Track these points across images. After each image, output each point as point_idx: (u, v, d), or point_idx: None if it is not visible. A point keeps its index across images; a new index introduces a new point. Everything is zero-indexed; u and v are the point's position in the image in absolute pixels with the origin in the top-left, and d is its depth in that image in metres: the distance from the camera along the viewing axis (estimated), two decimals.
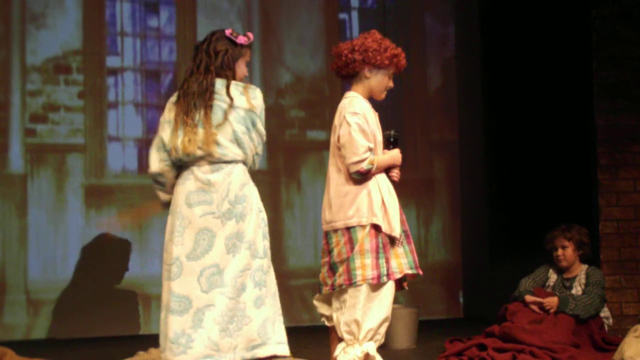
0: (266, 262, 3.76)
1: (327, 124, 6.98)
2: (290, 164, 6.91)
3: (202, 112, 3.77)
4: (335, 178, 3.96)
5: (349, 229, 3.86)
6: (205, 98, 3.79)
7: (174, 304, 3.64)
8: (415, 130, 7.15)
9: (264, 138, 3.92)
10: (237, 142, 3.78)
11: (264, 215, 3.84)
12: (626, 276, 5.73)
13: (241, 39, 3.90)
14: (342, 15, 7.17)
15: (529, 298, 5.02)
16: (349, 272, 3.82)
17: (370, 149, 3.91)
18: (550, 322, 4.86)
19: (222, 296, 3.64)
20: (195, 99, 3.80)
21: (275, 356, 3.73)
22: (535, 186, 6.31)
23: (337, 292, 3.88)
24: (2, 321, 6.31)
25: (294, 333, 6.30)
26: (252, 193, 3.81)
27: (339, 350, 3.87)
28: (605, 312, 5.09)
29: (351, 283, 3.81)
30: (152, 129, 6.68)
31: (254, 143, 3.84)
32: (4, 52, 6.43)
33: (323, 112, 6.98)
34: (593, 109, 5.87)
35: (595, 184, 5.87)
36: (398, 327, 5.47)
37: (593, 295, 4.97)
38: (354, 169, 3.88)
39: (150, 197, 6.62)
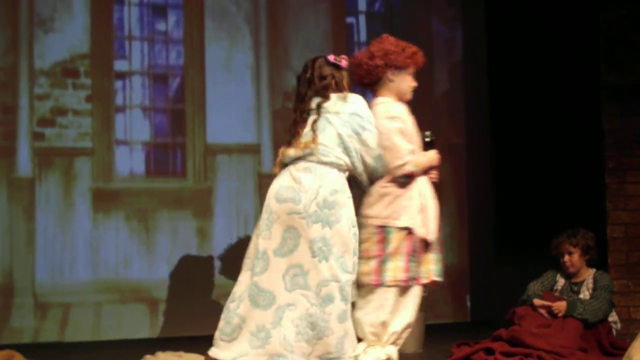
0: (353, 278, 3.76)
1: None
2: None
3: (309, 126, 3.85)
4: None
5: (383, 227, 3.85)
6: (306, 112, 3.88)
7: (260, 299, 3.66)
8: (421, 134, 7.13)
9: (375, 151, 3.89)
10: (344, 145, 3.80)
11: (356, 230, 3.81)
12: (634, 280, 5.71)
13: (344, 63, 4.03)
14: (350, 19, 7.18)
15: (537, 302, 5.02)
16: (380, 273, 3.81)
17: (412, 152, 3.93)
18: (558, 327, 4.85)
19: (304, 299, 3.66)
20: (300, 116, 3.90)
21: None
22: (542, 190, 6.30)
23: (364, 290, 3.87)
24: (10, 324, 6.32)
25: None
26: (346, 204, 3.78)
27: (360, 349, 3.86)
28: (613, 317, 5.08)
29: (380, 283, 3.81)
30: (159, 132, 6.70)
31: (366, 144, 3.84)
32: (12, 56, 6.45)
33: None
34: (600, 112, 5.86)
35: (603, 187, 5.86)
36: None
37: (601, 299, 4.96)
38: (398, 172, 3.88)
39: (158, 201, 6.66)
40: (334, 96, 3.88)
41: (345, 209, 3.75)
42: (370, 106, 4.04)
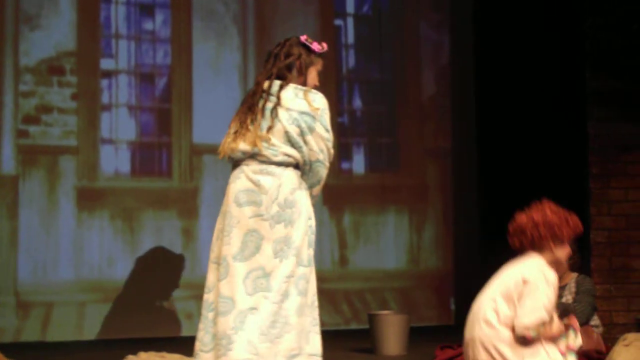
0: (309, 271, 3.70)
1: None
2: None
3: (257, 113, 3.74)
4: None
5: None
6: (258, 98, 3.76)
7: (221, 306, 3.59)
8: (408, 137, 7.16)
9: (329, 144, 3.75)
10: (291, 143, 3.69)
11: (312, 222, 3.74)
12: (616, 285, 5.74)
13: (316, 46, 3.86)
14: (338, 22, 7.18)
15: None
16: None
17: (544, 323, 3.86)
18: None
19: (267, 301, 3.59)
20: (252, 101, 3.78)
21: None
22: (527, 194, 6.29)
23: None
24: None
25: None
26: (303, 199, 3.71)
27: None
28: (595, 321, 5.10)
29: None
30: (145, 132, 6.68)
31: (313, 148, 3.71)
32: None
33: None
34: (585, 117, 5.89)
35: (587, 192, 5.88)
36: (389, 333, 5.47)
37: (584, 303, 4.98)
38: (520, 331, 3.75)
39: (143, 201, 6.64)
40: (291, 88, 3.75)
41: (302, 203, 3.71)
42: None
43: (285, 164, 3.69)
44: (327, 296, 6.72)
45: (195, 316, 6.61)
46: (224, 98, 6.75)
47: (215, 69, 6.78)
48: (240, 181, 3.71)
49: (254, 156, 3.70)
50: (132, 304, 6.50)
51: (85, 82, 6.53)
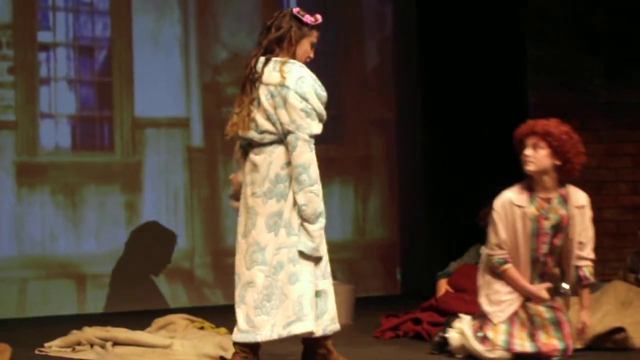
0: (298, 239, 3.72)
1: None
2: (227, 141, 6.83)
3: (248, 93, 3.78)
4: None
5: None
6: (247, 75, 3.80)
7: (235, 281, 3.81)
8: (352, 108, 7.16)
9: (302, 113, 3.69)
10: (270, 120, 3.73)
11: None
12: None
13: (307, 18, 3.85)
14: None
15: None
16: None
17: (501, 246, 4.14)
18: None
19: (261, 274, 3.69)
20: (245, 79, 3.83)
21: (312, 333, 3.71)
22: (471, 164, 6.38)
23: None
24: None
25: (231, 310, 6.31)
26: None
27: None
28: None
29: None
30: (85, 105, 6.57)
31: (283, 121, 3.69)
32: None
33: None
34: (526, 86, 5.96)
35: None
36: (335, 303, 5.49)
37: None
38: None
39: (85, 175, 6.54)
40: (271, 62, 3.76)
41: None
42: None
43: (275, 142, 3.73)
44: None
45: (140, 291, 6.56)
46: (165, 71, 6.67)
47: (156, 41, 6.68)
48: (248, 164, 3.82)
49: (251, 142, 3.78)
50: (75, 280, 6.42)
51: (22, 56, 6.38)
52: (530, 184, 4.16)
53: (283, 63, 3.75)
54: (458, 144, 6.51)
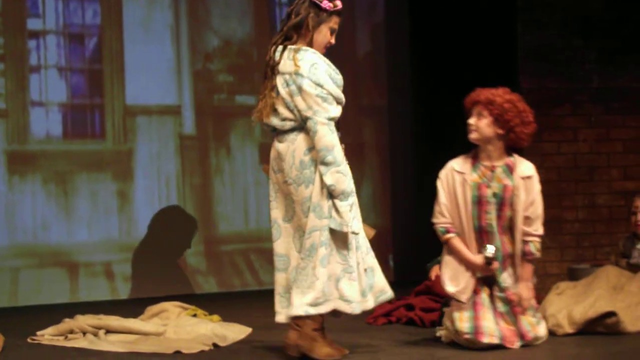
0: (328, 222, 3.75)
1: (255, 88, 6.90)
2: (219, 129, 6.84)
3: (268, 81, 3.86)
4: None
5: None
6: (267, 63, 3.87)
7: (279, 263, 3.87)
8: (344, 95, 7.13)
9: (318, 99, 3.73)
10: (288, 107, 3.79)
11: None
12: (549, 236, 5.84)
13: (325, 4, 3.87)
14: None
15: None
16: None
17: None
18: None
19: (299, 257, 3.79)
20: (266, 67, 3.89)
21: (335, 311, 3.78)
22: (462, 151, 6.37)
23: None
24: None
25: (224, 298, 6.32)
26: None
27: None
28: None
29: None
30: (76, 93, 6.54)
31: (301, 108, 3.74)
32: None
33: (252, 76, 6.91)
34: (518, 72, 5.96)
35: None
36: None
37: None
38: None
39: (76, 163, 6.52)
40: (287, 51, 3.80)
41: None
42: None
43: (296, 130, 3.79)
44: (268, 255, 6.68)
45: (132, 278, 6.56)
46: (156, 58, 6.65)
47: (147, 28, 6.65)
48: (272, 149, 3.88)
49: (272, 126, 3.86)
50: (67, 268, 6.41)
51: (12, 43, 6.34)
52: (476, 153, 4.18)
53: (296, 51, 3.79)
54: (449, 132, 6.49)
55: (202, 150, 6.78)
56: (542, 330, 4.11)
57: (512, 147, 4.16)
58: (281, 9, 7.08)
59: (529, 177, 4.12)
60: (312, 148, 3.76)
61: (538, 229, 4.12)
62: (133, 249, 6.57)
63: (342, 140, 3.91)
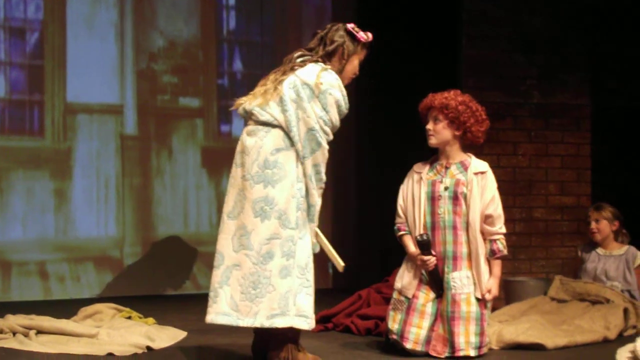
0: (297, 234, 3.72)
1: (200, 90, 6.89)
2: (161, 130, 6.78)
3: (272, 75, 3.84)
4: None
5: None
6: (286, 62, 3.85)
7: (215, 260, 3.79)
8: None
9: (321, 122, 3.75)
10: (283, 105, 3.74)
11: (301, 185, 3.76)
12: None
13: (361, 36, 3.92)
14: None
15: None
16: None
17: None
18: None
19: (247, 259, 3.69)
20: (283, 64, 3.87)
21: (292, 328, 3.72)
22: (405, 157, 6.41)
23: None
24: None
25: (160, 301, 6.26)
26: (288, 161, 3.73)
27: None
28: None
29: None
30: (16, 89, 6.42)
31: (306, 114, 3.72)
32: None
33: (196, 78, 6.88)
34: (461, 86, 6.02)
35: None
36: None
37: None
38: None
39: (13, 160, 6.39)
40: (313, 62, 3.82)
41: (287, 165, 3.73)
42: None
43: (270, 126, 3.75)
44: (206, 259, 6.67)
45: (67, 278, 6.45)
46: (99, 56, 6.56)
47: (90, 25, 6.56)
48: (239, 143, 3.83)
49: (250, 116, 3.80)
50: (1, 267, 6.27)
51: None
52: (436, 157, 4.31)
53: (323, 69, 3.79)
54: (392, 136, 6.55)
55: (143, 151, 6.71)
56: (473, 353, 4.09)
57: (469, 146, 4.28)
58: (228, 12, 7.06)
59: (482, 173, 4.20)
60: (280, 149, 3.73)
61: (502, 227, 4.20)
62: (69, 249, 6.47)
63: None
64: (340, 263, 4.06)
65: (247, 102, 3.83)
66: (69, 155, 6.50)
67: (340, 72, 3.88)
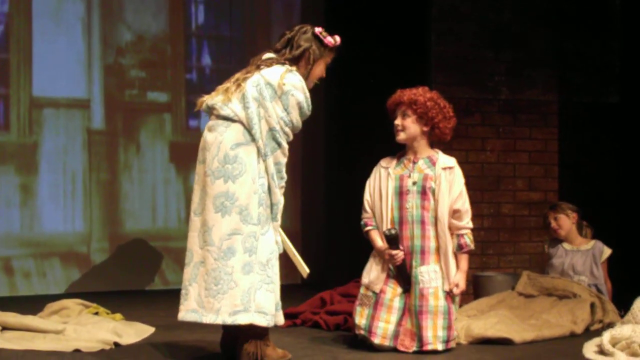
0: (259, 229, 3.70)
1: (168, 85, 6.85)
2: (129, 125, 6.73)
3: (239, 73, 3.83)
4: None
5: None
6: (253, 62, 3.84)
7: (185, 257, 3.78)
8: None
9: (281, 122, 3.73)
10: (245, 102, 3.72)
11: (263, 181, 3.73)
12: None
13: (328, 40, 3.91)
14: None
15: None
16: None
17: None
18: None
19: (209, 255, 3.67)
20: (250, 63, 3.87)
21: (253, 325, 3.69)
22: (373, 155, 6.42)
23: None
24: None
25: (127, 296, 6.21)
26: (249, 156, 3.70)
27: None
28: None
29: None
30: None
31: (268, 113, 3.71)
32: None
33: (164, 73, 6.83)
34: (431, 82, 6.04)
35: None
36: None
37: None
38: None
39: None
40: (281, 65, 3.79)
41: (248, 161, 3.70)
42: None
43: (230, 120, 3.73)
44: (174, 255, 6.65)
45: (33, 274, 6.38)
46: (65, 50, 6.50)
47: (57, 19, 6.49)
48: (201, 140, 3.81)
49: (211, 111, 3.79)
50: None
51: None
52: (403, 152, 4.34)
53: (289, 70, 3.79)
54: (360, 138, 6.55)
55: (110, 145, 6.65)
56: (441, 347, 4.10)
57: (437, 142, 4.30)
58: (197, 7, 7.02)
59: (450, 168, 4.24)
60: (240, 144, 3.71)
61: (469, 222, 4.25)
62: (35, 244, 6.40)
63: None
64: (305, 269, 4.05)
65: (209, 98, 3.83)
66: (35, 149, 6.43)
67: (306, 76, 3.87)
